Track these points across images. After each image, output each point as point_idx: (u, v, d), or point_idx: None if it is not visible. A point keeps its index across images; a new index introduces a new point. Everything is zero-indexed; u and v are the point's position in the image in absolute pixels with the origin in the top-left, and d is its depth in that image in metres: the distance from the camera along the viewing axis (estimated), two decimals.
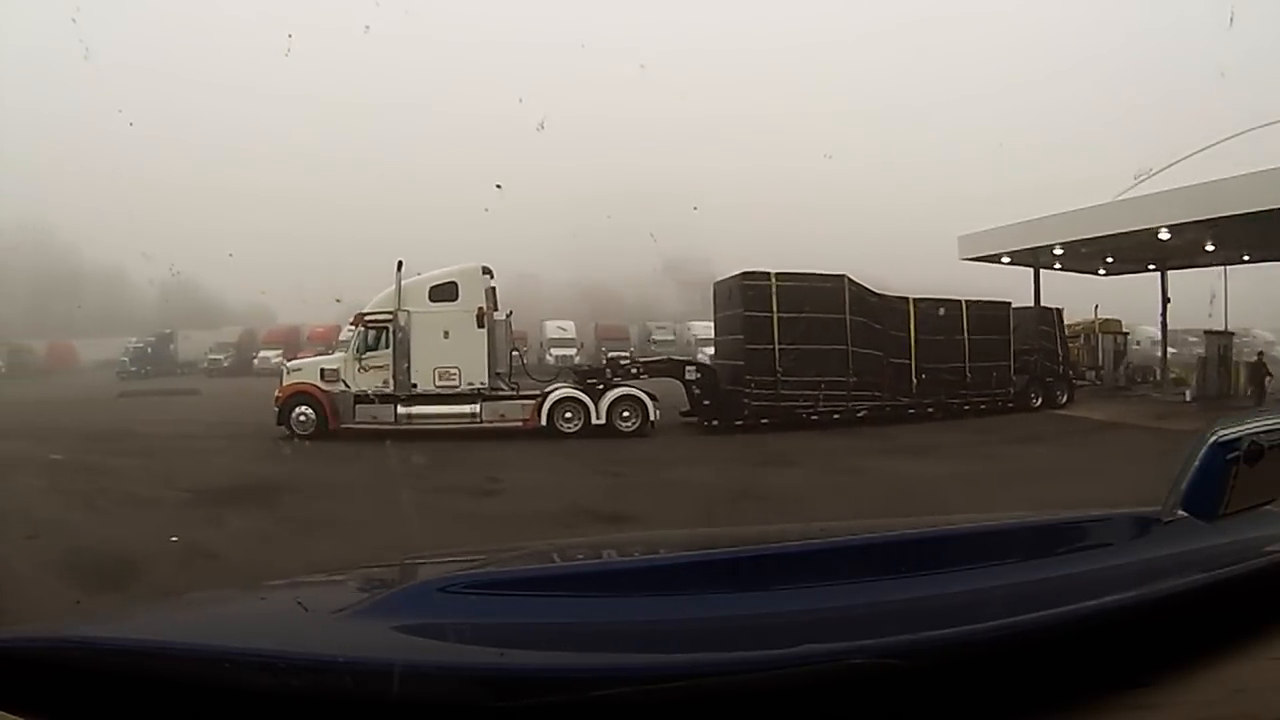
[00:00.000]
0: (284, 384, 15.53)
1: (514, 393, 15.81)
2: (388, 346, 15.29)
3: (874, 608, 1.28)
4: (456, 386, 15.26)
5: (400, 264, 15.50)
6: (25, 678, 1.11)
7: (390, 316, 15.34)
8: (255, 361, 30.68)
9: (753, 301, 16.14)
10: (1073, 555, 1.58)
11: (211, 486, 10.21)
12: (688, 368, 16.58)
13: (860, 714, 1.03)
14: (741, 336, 16.14)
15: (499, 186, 24.53)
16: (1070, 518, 1.91)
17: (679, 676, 1.05)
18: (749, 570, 1.49)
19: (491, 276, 16.21)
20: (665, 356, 19.13)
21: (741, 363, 16.02)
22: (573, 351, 27.13)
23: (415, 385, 15.19)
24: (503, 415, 15.33)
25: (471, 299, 15.54)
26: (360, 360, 15.31)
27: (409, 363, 15.19)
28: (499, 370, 15.82)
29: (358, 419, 15.08)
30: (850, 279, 16.58)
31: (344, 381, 15.20)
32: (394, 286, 15.40)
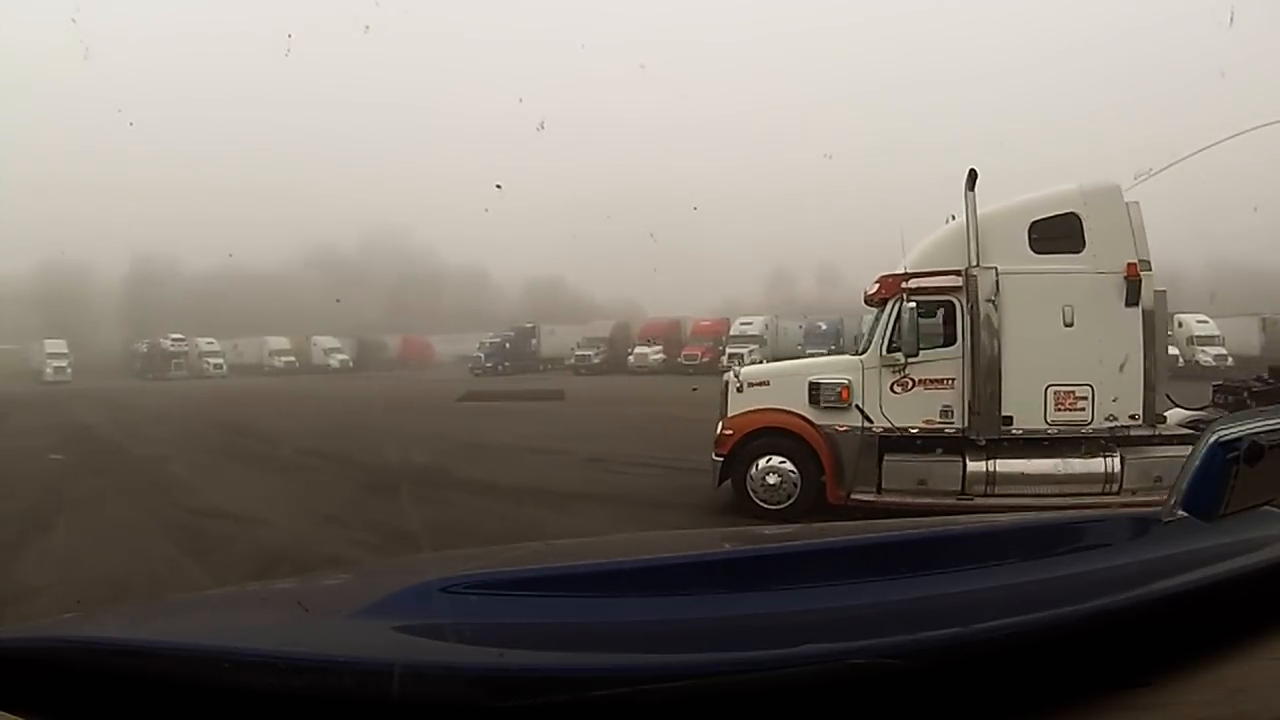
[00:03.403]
0: (732, 411, 8.21)
1: (1163, 433, 7.72)
2: (952, 341, 7.83)
3: (874, 608, 1.28)
4: (1086, 422, 7.62)
5: (973, 175, 7.74)
6: (25, 678, 1.11)
7: (958, 282, 7.73)
8: (631, 359, 29.02)
9: None
10: (1073, 555, 1.58)
11: None
12: None
13: (860, 714, 1.03)
14: None
15: (499, 186, 24.55)
16: (1070, 518, 1.91)
17: (679, 676, 1.05)
18: (749, 570, 1.49)
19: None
20: None
21: None
22: None
23: (1010, 419, 7.64)
24: (1158, 479, 7.18)
25: (1110, 247, 7.66)
26: (900, 367, 7.82)
27: (999, 374, 7.62)
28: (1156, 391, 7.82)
29: (886, 486, 7.72)
30: None
31: (859, 409, 7.87)
32: (959, 221, 7.84)
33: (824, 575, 1.42)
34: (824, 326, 29.95)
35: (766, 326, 30.55)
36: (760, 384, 8.40)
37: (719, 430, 8.17)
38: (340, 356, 33.53)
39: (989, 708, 1.06)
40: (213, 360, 33.26)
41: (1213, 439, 1.39)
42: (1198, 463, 1.40)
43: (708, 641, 1.21)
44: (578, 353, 30.56)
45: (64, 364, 31.88)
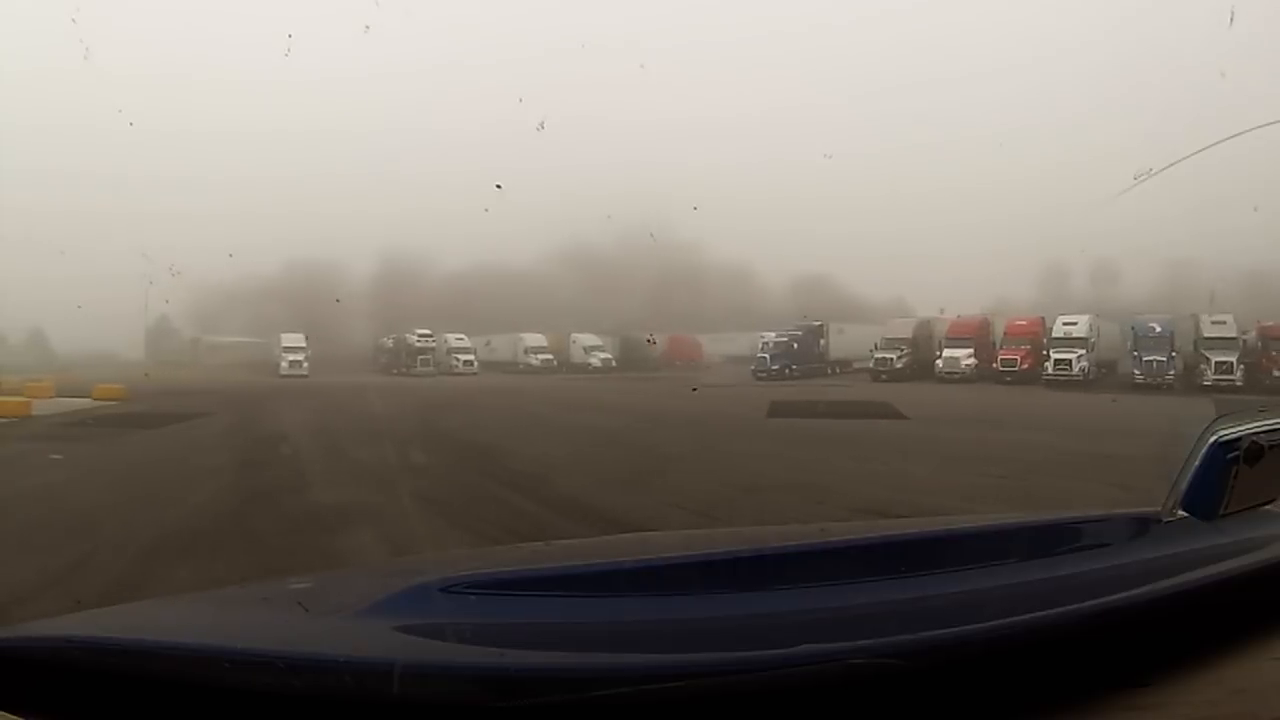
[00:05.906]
0: None
1: None
2: None
3: (874, 608, 1.28)
4: None
5: None
6: (26, 678, 1.11)
7: None
8: (939, 363, 25.47)
9: None
10: (1073, 555, 1.58)
11: None
12: None
13: (860, 714, 1.03)
14: None
15: (499, 186, 24.39)
16: (1070, 518, 1.91)
17: (679, 676, 1.05)
18: (749, 570, 1.49)
19: None
20: None
21: None
22: (1233, 357, 21.43)
23: None
24: None
25: None
26: None
27: None
28: None
29: None
30: None
31: None
32: None
33: (824, 575, 1.42)
34: (1158, 329, 25.23)
35: (1092, 328, 25.87)
36: None
37: None
38: (602, 355, 30.82)
39: (989, 708, 1.06)
40: (462, 356, 31.22)
41: (1213, 439, 1.39)
42: (1198, 463, 1.40)
43: (708, 641, 1.21)
44: (877, 355, 26.59)
45: (300, 358, 30.44)
